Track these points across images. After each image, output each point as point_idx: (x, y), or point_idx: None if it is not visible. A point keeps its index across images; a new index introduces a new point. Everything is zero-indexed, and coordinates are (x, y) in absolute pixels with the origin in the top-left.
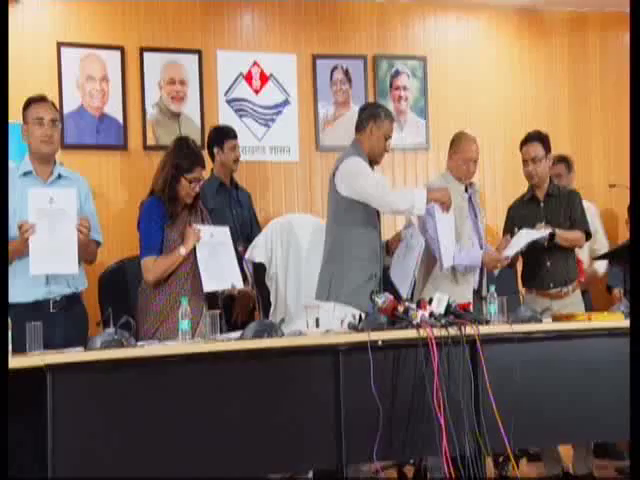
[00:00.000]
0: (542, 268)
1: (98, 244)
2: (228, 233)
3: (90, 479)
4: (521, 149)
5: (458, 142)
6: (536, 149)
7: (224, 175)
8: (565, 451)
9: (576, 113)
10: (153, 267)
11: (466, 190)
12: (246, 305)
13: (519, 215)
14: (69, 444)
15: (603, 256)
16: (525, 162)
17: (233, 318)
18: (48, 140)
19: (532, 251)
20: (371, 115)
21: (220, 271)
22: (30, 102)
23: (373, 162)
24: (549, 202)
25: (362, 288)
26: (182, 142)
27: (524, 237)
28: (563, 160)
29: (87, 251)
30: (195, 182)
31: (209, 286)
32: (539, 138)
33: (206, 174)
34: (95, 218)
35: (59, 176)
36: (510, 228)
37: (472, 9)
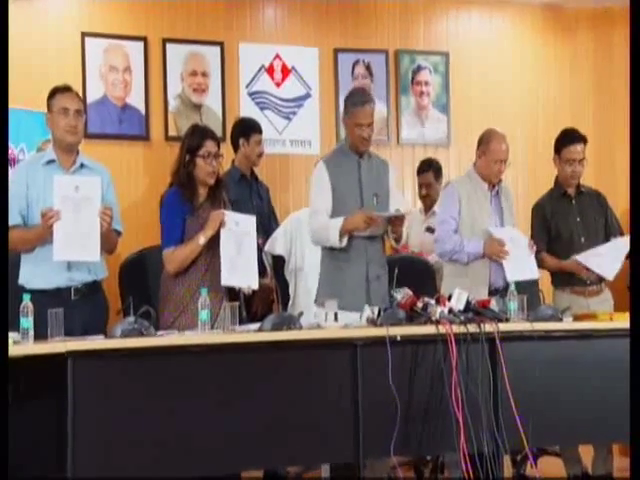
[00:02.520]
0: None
1: (119, 234)
2: (254, 223)
3: (108, 466)
4: (563, 149)
5: (489, 141)
6: (583, 149)
7: (245, 167)
8: (585, 451)
9: (601, 111)
10: (172, 257)
11: (493, 188)
12: (266, 297)
13: (552, 211)
14: (88, 429)
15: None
16: (571, 162)
17: (253, 310)
18: (72, 130)
19: (570, 250)
20: (343, 111)
21: (241, 267)
22: (55, 92)
23: (360, 151)
24: (580, 199)
25: (353, 291)
26: (191, 127)
27: (618, 248)
28: (431, 167)
29: (108, 240)
30: (210, 157)
31: (228, 281)
32: (582, 138)
33: (225, 162)
34: (116, 208)
35: (82, 165)
36: (543, 224)
37: (495, 5)
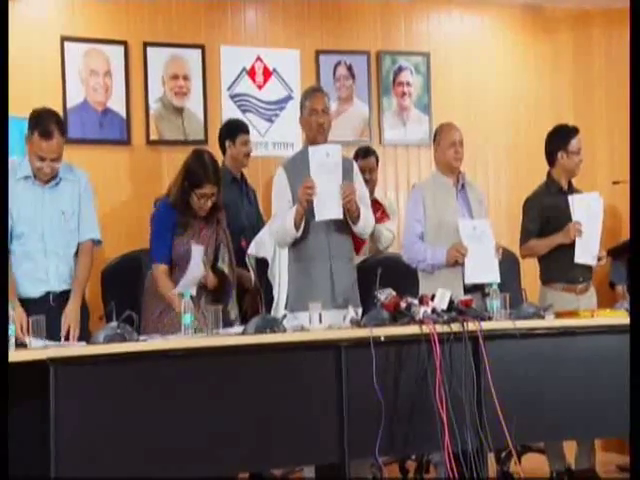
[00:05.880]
0: (572, 262)
1: (98, 243)
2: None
3: (92, 474)
4: (569, 141)
5: (440, 131)
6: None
7: (235, 169)
8: (568, 447)
9: (580, 110)
10: (161, 282)
11: (457, 182)
12: (256, 300)
13: (550, 206)
14: (72, 437)
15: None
16: (579, 151)
17: (242, 311)
18: (47, 174)
19: (564, 245)
20: (300, 111)
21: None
22: (36, 128)
23: (317, 142)
24: (573, 195)
25: (318, 289)
26: (198, 155)
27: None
28: (373, 153)
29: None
30: (204, 198)
31: None
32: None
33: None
34: (94, 216)
35: (59, 179)
36: (538, 217)
37: (476, 5)
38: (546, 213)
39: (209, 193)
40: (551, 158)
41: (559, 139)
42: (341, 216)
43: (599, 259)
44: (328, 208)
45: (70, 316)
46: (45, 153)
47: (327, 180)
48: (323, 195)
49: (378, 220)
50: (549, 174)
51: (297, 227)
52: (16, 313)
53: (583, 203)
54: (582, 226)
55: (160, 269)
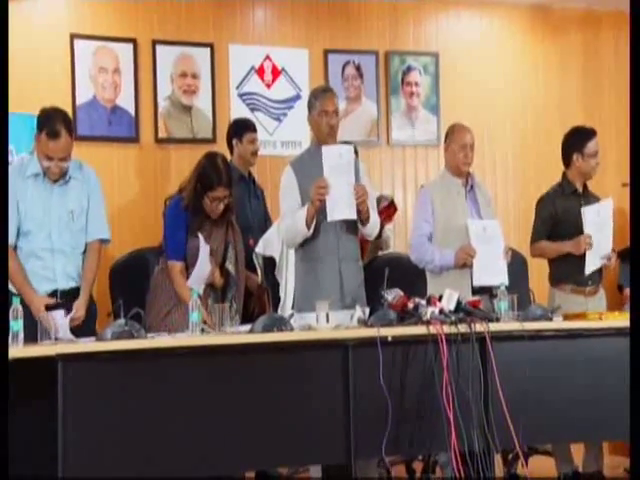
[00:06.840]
0: (581, 264)
1: (105, 242)
2: None
3: (99, 470)
4: (586, 144)
5: (452, 132)
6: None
7: (243, 168)
8: (576, 449)
9: (589, 111)
10: (181, 287)
11: (467, 183)
12: (262, 299)
13: (562, 207)
14: (79, 433)
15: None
16: (595, 154)
17: (250, 311)
18: (56, 173)
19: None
20: (308, 110)
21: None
22: (43, 129)
23: (327, 143)
24: (587, 199)
25: (326, 289)
26: (210, 158)
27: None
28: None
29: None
30: (217, 201)
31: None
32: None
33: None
34: (103, 215)
35: (69, 178)
36: (549, 217)
37: (485, 6)
38: (558, 215)
39: (221, 196)
40: (567, 159)
41: (575, 141)
42: (354, 217)
43: (608, 259)
44: (341, 209)
45: (79, 311)
46: (52, 153)
47: (340, 180)
48: (336, 195)
49: (386, 222)
50: (564, 175)
51: (309, 226)
52: (36, 300)
53: (594, 213)
54: (592, 239)
55: (176, 268)
